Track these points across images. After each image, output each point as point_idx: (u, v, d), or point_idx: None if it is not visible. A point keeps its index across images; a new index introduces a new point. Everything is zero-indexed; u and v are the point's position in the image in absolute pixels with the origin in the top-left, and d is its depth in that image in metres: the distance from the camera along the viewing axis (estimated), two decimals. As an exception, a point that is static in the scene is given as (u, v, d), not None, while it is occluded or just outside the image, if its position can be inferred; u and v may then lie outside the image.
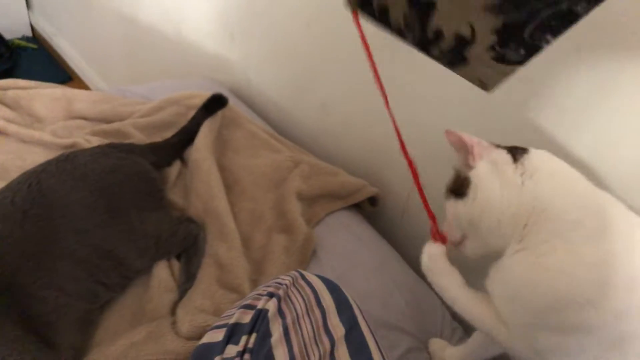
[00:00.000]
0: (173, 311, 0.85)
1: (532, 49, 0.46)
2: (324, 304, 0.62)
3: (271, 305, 0.63)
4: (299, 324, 0.61)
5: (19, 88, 1.26)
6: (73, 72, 2.86)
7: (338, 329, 0.60)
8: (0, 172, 1.08)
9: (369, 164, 1.22)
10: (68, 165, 0.91)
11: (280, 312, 0.62)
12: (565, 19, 0.43)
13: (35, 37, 3.24)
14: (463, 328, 0.98)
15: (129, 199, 0.91)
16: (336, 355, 0.57)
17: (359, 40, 0.61)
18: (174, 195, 1.07)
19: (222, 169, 1.12)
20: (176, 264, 0.93)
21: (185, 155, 1.16)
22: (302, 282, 0.65)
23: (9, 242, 0.78)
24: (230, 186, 1.10)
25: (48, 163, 0.93)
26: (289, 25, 1.29)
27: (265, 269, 0.93)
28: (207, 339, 0.66)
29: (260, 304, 0.64)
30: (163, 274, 0.89)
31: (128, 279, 0.89)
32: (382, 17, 0.53)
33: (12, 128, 1.17)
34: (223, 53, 1.59)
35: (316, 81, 1.29)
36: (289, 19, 1.28)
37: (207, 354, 0.63)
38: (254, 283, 0.90)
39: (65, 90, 1.28)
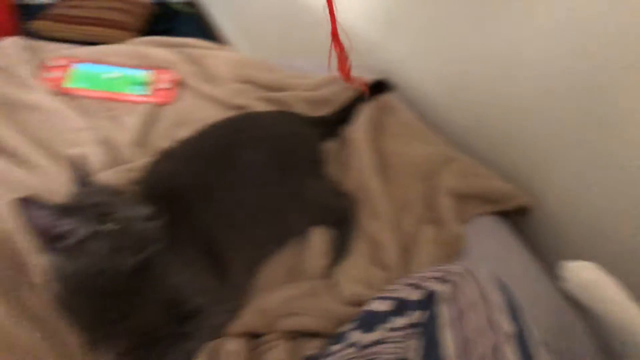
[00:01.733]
0: (324, 275, 0.89)
1: None
2: (494, 300, 0.62)
3: (442, 289, 0.64)
4: (470, 313, 0.61)
5: (203, 48, 1.38)
6: (223, 41, 3.05)
7: (507, 328, 0.59)
8: (184, 119, 1.20)
9: (522, 172, 1.18)
10: (251, 124, 0.99)
11: (450, 297, 0.63)
12: None
13: (193, 3, 3.50)
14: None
15: (298, 165, 0.98)
16: (503, 350, 0.57)
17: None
18: (331, 170, 1.12)
19: (376, 152, 1.15)
20: (328, 233, 0.98)
21: (343, 134, 1.21)
22: (473, 277, 0.66)
23: (200, 184, 0.87)
24: (382, 170, 1.12)
25: (233, 119, 1.02)
26: (455, 20, 1.27)
27: (412, 257, 0.95)
28: (373, 306, 0.69)
29: (430, 286, 0.66)
30: (318, 240, 0.94)
31: (288, 238, 0.95)
32: None
33: (194, 82, 1.28)
34: (378, 40, 1.61)
35: (476, 83, 1.27)
36: (460, 15, 1.26)
37: (374, 320, 0.67)
38: (403, 266, 0.92)
39: (241, 56, 1.38)
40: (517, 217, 1.16)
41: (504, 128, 1.22)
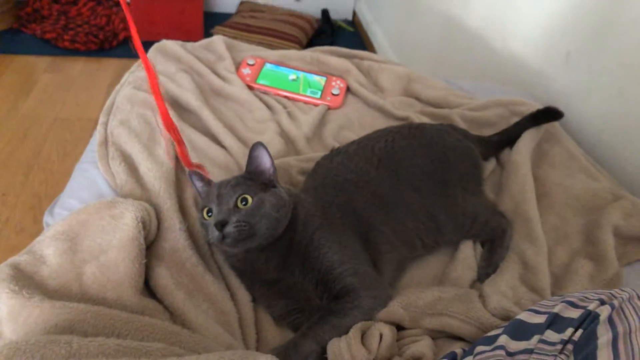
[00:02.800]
0: (471, 286, 0.92)
1: None
2: None
3: (603, 311, 0.62)
4: (630, 339, 0.60)
5: (372, 60, 1.49)
6: (378, 58, 3.18)
7: None
8: (348, 124, 1.31)
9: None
10: (418, 133, 1.05)
11: (610, 320, 0.61)
12: None
13: (354, 21, 3.70)
14: None
15: (459, 177, 1.01)
16: None
17: None
18: (486, 189, 1.13)
19: (535, 179, 1.14)
20: (479, 248, 1.00)
21: (502, 156, 1.22)
22: (639, 302, 0.63)
23: (365, 180, 0.96)
24: (539, 197, 1.11)
25: (402, 127, 1.09)
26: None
27: (564, 288, 0.93)
28: (524, 317, 0.69)
29: (590, 306, 0.64)
30: (468, 252, 0.97)
31: (438, 245, 0.99)
32: None
33: (362, 92, 1.39)
34: (549, 71, 1.58)
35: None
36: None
37: (524, 330, 0.67)
38: (554, 294, 0.90)
39: (408, 70, 1.45)
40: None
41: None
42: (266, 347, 0.79)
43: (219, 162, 1.09)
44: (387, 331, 0.78)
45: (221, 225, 0.76)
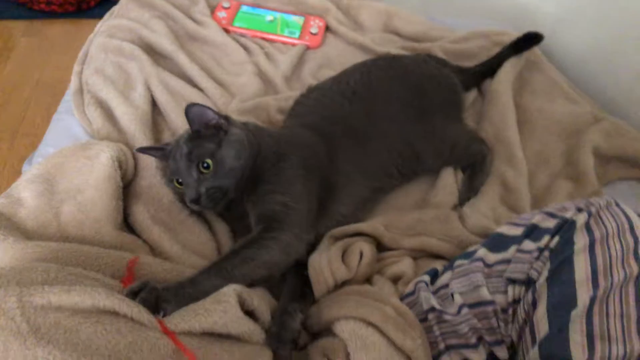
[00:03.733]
0: (453, 209, 0.92)
1: None
2: (637, 233, 0.60)
3: (580, 218, 0.62)
4: (607, 243, 0.60)
5: (351, -3, 1.45)
6: None
7: None
8: (327, 62, 1.29)
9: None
10: (394, 64, 1.04)
11: (588, 226, 0.62)
12: None
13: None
14: None
15: (437, 105, 1.00)
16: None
17: None
18: (467, 119, 1.13)
19: (516, 107, 1.13)
20: (460, 175, 1.00)
21: (483, 86, 1.20)
22: (617, 209, 0.63)
23: (340, 114, 0.95)
24: (520, 124, 1.10)
25: (377, 59, 1.07)
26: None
27: (544, 207, 0.93)
28: (504, 230, 0.69)
29: (567, 214, 0.64)
30: (449, 178, 0.97)
31: (416, 174, 0.99)
32: None
33: (341, 30, 1.36)
34: (535, 2, 1.54)
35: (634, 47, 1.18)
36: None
37: (503, 241, 0.67)
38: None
39: (388, 7, 1.42)
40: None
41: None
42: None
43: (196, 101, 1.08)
44: (368, 250, 0.79)
45: (196, 201, 0.76)
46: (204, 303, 0.59)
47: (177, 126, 1.00)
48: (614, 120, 1.11)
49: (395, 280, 0.79)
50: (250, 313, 0.64)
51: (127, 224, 0.82)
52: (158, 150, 0.85)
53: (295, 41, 1.32)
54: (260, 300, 0.66)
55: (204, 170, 0.76)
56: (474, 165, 0.99)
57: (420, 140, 0.96)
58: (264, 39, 1.33)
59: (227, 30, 1.31)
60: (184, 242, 0.78)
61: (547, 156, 1.05)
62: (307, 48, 1.32)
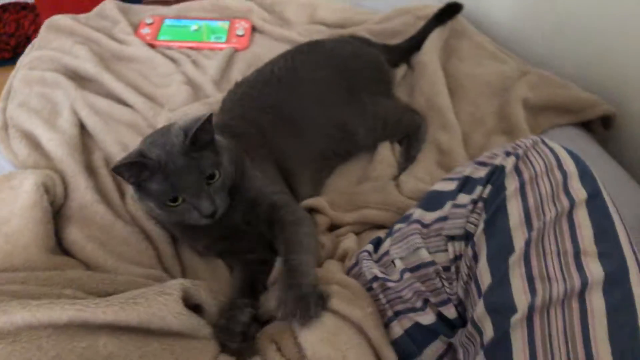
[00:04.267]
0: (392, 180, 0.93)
1: None
2: (565, 168, 0.59)
3: (509, 162, 0.61)
4: (537, 182, 0.59)
5: (276, -6, 1.45)
6: None
7: (580, 192, 0.56)
8: (257, 61, 1.27)
9: (603, 81, 1.11)
10: (317, 48, 1.04)
11: (517, 169, 0.61)
12: None
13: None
14: None
15: (364, 83, 1.01)
16: (574, 216, 0.55)
17: None
18: (400, 94, 1.14)
19: (446, 75, 1.14)
20: (397, 147, 1.00)
21: (412, 60, 1.21)
22: (544, 147, 0.62)
23: (268, 104, 0.94)
24: (452, 91, 1.11)
25: (300, 45, 1.07)
26: None
27: (482, 164, 0.94)
28: (438, 186, 0.69)
29: (496, 161, 0.63)
30: (386, 152, 0.98)
31: (353, 153, 0.99)
32: None
33: (266, 27, 1.36)
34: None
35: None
36: None
37: (438, 199, 0.66)
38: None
39: (311, -1, 1.43)
40: (602, 134, 1.10)
41: (586, 39, 1.15)
42: (192, 274, 0.80)
43: (126, 120, 1.06)
44: (327, 241, 0.79)
45: (213, 215, 0.71)
46: (146, 292, 0.56)
47: (107, 145, 0.98)
48: (540, 72, 1.13)
49: (342, 259, 0.78)
50: (197, 307, 0.62)
51: (63, 248, 0.80)
52: (134, 165, 0.69)
53: (223, 45, 1.32)
54: (208, 293, 0.64)
55: (210, 182, 0.72)
56: (409, 135, 1.00)
57: (352, 120, 0.96)
58: (191, 48, 1.32)
59: (152, 45, 1.30)
60: (119, 255, 0.76)
61: (481, 116, 1.06)
62: (236, 50, 1.31)
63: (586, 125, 1.10)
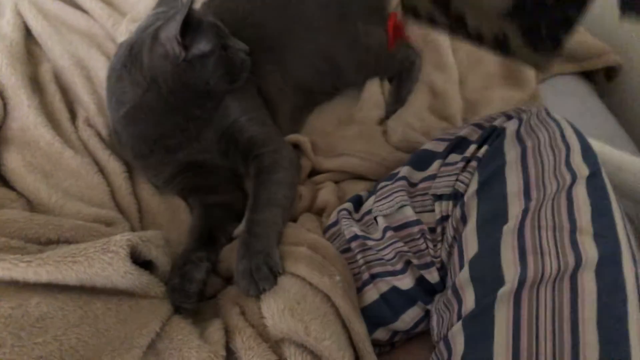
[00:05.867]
0: (379, 123, 0.84)
1: (556, 42, 0.48)
2: (569, 142, 0.56)
3: (510, 125, 0.58)
4: (539, 152, 0.55)
5: None
6: None
7: (582, 168, 0.53)
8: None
9: (612, 31, 1.02)
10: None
11: (518, 134, 0.57)
12: (564, 24, 0.46)
13: None
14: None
15: (358, 10, 0.89)
16: (574, 192, 0.52)
17: None
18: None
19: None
20: (387, 86, 0.91)
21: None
22: (547, 117, 0.59)
23: (249, 21, 0.82)
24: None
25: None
26: None
27: (478, 113, 0.87)
28: (429, 146, 0.64)
29: (495, 123, 0.60)
30: (374, 90, 0.88)
31: (339, 89, 0.89)
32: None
33: None
34: None
35: None
36: None
37: (428, 158, 0.62)
38: (466, 121, 0.84)
39: None
40: (603, 85, 1.03)
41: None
42: (150, 215, 0.71)
43: (80, 28, 0.93)
44: (305, 191, 0.72)
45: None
46: (86, 248, 0.49)
47: (56, 56, 0.85)
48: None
49: (320, 212, 0.72)
50: (148, 264, 0.56)
51: (2, 176, 0.70)
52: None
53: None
54: (159, 248, 0.57)
55: None
56: (401, 73, 0.90)
57: (342, 52, 0.85)
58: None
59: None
60: (67, 190, 0.67)
61: (480, 56, 0.97)
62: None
63: (587, 76, 1.02)
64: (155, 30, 0.65)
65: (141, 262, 0.53)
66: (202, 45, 0.66)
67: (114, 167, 0.72)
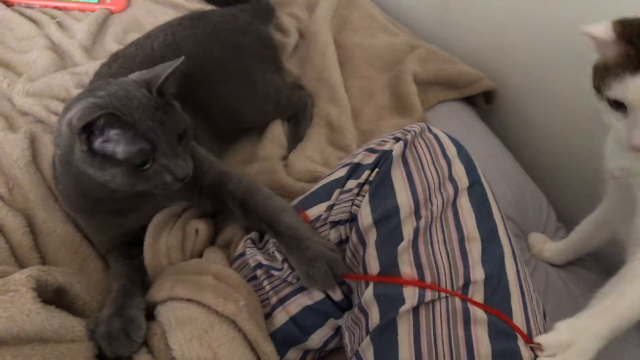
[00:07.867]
0: (282, 159, 0.89)
1: None
2: (449, 154, 0.61)
3: (396, 148, 0.62)
4: (424, 172, 0.60)
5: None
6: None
7: (462, 179, 0.59)
8: (135, 25, 1.16)
9: (485, 59, 1.15)
10: (200, 22, 0.94)
11: (404, 158, 0.61)
12: None
13: None
14: (567, 229, 0.94)
15: (254, 61, 0.94)
16: (458, 204, 0.58)
17: None
18: (291, 65, 1.09)
19: (338, 46, 1.11)
20: (286, 125, 0.97)
21: (304, 29, 1.17)
22: (429, 134, 0.64)
23: None
24: (343, 63, 1.09)
25: (182, 18, 0.96)
26: None
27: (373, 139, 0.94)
28: (334, 176, 0.66)
29: (386, 146, 0.63)
30: (276, 130, 0.94)
31: (240, 135, 0.94)
32: None
33: (147, -12, 1.23)
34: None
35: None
36: None
37: (327, 189, 0.65)
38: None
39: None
40: (484, 108, 1.14)
41: (470, 13, 1.18)
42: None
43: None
44: (202, 226, 0.73)
45: (184, 179, 0.63)
46: None
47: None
48: (428, 46, 1.14)
49: (228, 245, 0.74)
50: (62, 303, 0.54)
51: None
52: (110, 118, 0.57)
53: (95, 6, 1.17)
54: (68, 276, 0.55)
55: (180, 141, 0.63)
56: (297, 114, 0.97)
57: (244, 104, 0.90)
58: (57, 8, 1.16)
59: (8, 3, 1.13)
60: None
61: (371, 91, 1.05)
62: (111, 12, 1.18)
63: (469, 100, 1.13)
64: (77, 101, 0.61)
65: (52, 301, 0.51)
66: (112, 148, 0.58)
67: (12, 223, 0.71)
